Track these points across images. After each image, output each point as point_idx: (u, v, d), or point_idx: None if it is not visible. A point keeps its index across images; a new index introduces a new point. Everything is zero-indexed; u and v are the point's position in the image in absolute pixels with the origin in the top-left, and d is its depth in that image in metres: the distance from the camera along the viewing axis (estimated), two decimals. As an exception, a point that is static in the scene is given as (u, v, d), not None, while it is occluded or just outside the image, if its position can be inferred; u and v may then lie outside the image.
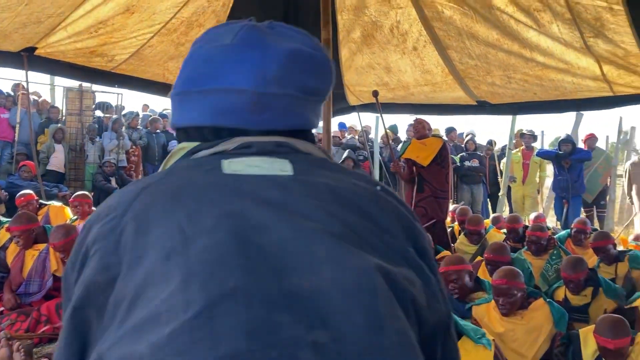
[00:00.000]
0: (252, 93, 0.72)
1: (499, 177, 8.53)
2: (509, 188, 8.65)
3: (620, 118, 8.36)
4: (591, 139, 8.54)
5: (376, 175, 9.08)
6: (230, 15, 5.19)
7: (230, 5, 5.11)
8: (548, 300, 3.13)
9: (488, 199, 9.21)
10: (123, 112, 10.28)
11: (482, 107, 6.56)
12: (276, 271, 0.57)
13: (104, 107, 10.31)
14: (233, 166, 0.68)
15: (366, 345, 0.54)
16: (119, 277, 0.60)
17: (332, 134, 10.33)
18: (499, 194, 8.40)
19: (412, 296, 0.62)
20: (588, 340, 2.82)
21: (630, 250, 4.40)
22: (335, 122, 10.90)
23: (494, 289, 3.05)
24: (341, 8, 5.24)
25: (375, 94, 5.22)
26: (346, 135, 10.26)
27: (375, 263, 0.60)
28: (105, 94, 10.34)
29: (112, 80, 6.01)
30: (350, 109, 7.78)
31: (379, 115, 9.11)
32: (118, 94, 10.18)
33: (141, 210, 0.64)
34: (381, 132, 9.35)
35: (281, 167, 0.69)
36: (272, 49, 0.74)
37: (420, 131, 5.15)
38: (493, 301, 3.08)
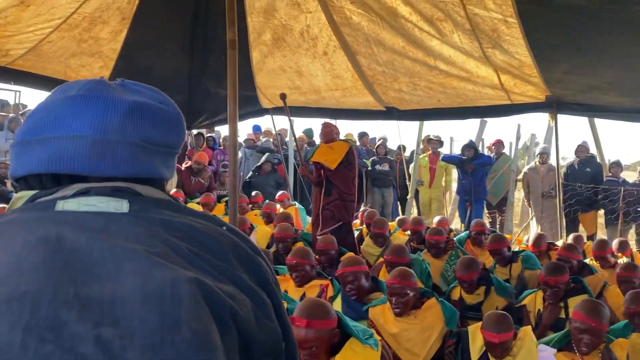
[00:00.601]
0: (92, 139, 0.73)
1: (407, 180, 8.80)
2: (417, 191, 8.95)
3: (519, 125, 8.87)
4: (498, 144, 8.95)
5: (290, 179, 9.10)
6: (136, 14, 5.01)
7: (137, 3, 4.93)
8: (440, 299, 3.23)
9: (398, 202, 9.48)
10: (22, 111, 9.67)
11: (391, 113, 6.75)
12: (77, 280, 0.61)
13: (0, 105, 9.67)
14: (67, 205, 0.71)
15: (156, 341, 0.59)
16: None
17: (246, 137, 10.27)
18: (407, 197, 8.67)
19: (231, 308, 0.67)
20: (476, 336, 2.96)
21: (524, 251, 4.65)
22: (249, 124, 10.83)
23: (388, 288, 3.13)
24: (251, 10, 5.21)
25: (282, 97, 5.22)
26: (261, 138, 10.22)
27: (189, 276, 0.65)
28: (1, 91, 9.72)
29: (7, 77, 5.63)
30: (263, 111, 7.74)
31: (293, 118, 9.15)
32: (16, 91, 9.59)
33: None
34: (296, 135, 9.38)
35: (116, 206, 0.73)
36: (116, 100, 0.76)
37: (328, 135, 5.20)
38: (388, 302, 3.16)
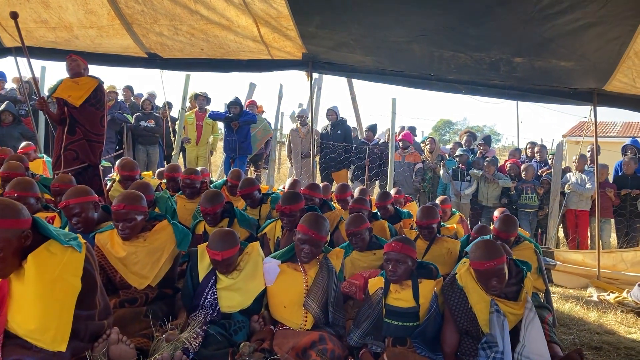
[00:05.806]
0: None
1: (172, 137, 8.53)
2: (184, 149, 8.75)
3: (281, 85, 9.22)
4: (251, 105, 9.16)
5: (41, 131, 8.16)
6: None
7: None
8: (172, 221, 3.20)
9: (164, 160, 9.17)
10: None
11: (153, 61, 6.41)
12: None
13: None
14: None
15: None
16: None
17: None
18: (172, 153, 8.42)
19: None
20: (204, 256, 3.02)
21: (274, 193, 4.85)
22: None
23: (113, 214, 3.00)
24: None
25: (13, 15, 4.55)
26: (5, 86, 8.92)
27: None
28: None
29: None
30: (4, 51, 6.76)
31: (44, 63, 8.14)
32: None
33: None
34: (47, 83, 8.41)
35: None
36: None
37: (74, 69, 4.70)
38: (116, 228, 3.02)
